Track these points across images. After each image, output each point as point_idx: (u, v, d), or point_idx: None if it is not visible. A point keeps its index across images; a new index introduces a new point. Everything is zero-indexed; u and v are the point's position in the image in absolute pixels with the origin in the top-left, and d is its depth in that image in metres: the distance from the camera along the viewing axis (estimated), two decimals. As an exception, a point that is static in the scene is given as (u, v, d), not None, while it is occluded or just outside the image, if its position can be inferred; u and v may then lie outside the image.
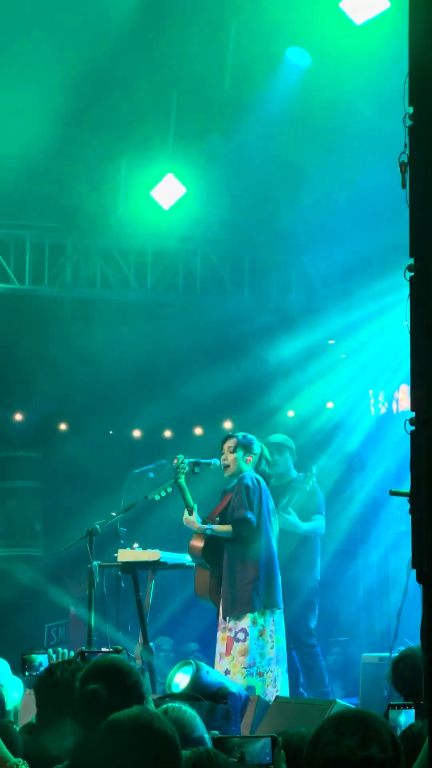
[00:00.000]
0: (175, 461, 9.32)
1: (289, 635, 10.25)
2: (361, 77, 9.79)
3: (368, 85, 9.76)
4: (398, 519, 11.65)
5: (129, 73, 10.72)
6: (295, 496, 10.35)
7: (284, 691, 8.81)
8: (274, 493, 10.42)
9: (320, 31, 9.83)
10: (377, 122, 9.25)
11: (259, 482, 9.16)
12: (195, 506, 9.24)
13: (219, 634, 9.03)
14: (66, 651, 5.97)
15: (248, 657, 8.79)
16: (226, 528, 9.09)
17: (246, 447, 9.32)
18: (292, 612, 10.22)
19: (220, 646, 8.96)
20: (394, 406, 13.76)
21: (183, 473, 9.25)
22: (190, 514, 9.20)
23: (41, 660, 6.01)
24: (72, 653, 5.85)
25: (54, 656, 5.92)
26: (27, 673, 6.03)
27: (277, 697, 8.28)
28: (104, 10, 9.86)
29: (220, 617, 9.07)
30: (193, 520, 9.17)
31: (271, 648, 8.88)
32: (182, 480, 9.24)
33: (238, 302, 13.52)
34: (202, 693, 7.34)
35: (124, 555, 9.38)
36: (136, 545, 10.15)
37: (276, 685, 8.77)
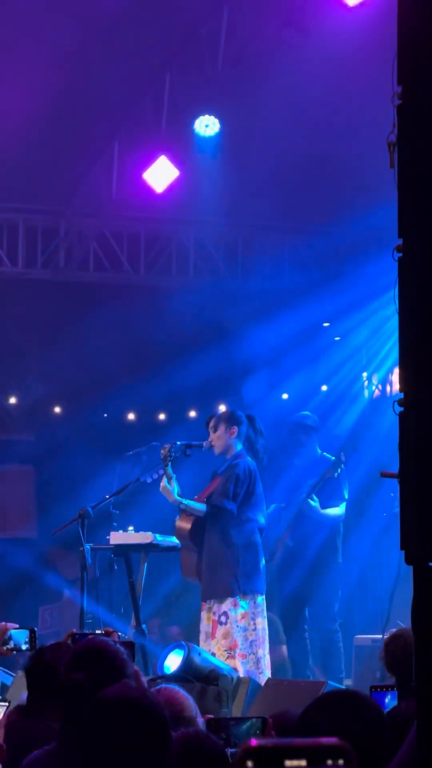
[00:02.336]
0: (164, 450, 9.18)
1: (311, 618, 10.24)
2: (354, 56, 9.75)
3: (362, 65, 9.71)
4: (391, 501, 11.64)
5: (122, 54, 10.67)
6: (319, 484, 10.25)
7: (267, 673, 8.81)
8: (298, 474, 10.38)
9: (314, 10, 9.79)
10: (371, 101, 9.21)
11: (251, 473, 9.06)
12: (174, 476, 9.12)
13: (203, 614, 9.04)
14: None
15: (230, 640, 8.80)
16: (199, 507, 9.00)
17: (227, 420, 9.19)
18: (315, 596, 10.22)
19: (206, 626, 8.97)
20: (388, 389, 13.76)
21: (170, 461, 9.15)
22: (169, 482, 9.06)
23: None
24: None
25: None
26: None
27: (269, 678, 8.29)
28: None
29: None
30: (169, 490, 9.04)
31: (253, 630, 8.88)
32: (169, 468, 9.15)
33: (232, 285, 13.50)
34: (193, 675, 7.36)
35: (117, 538, 9.35)
36: (131, 528, 10.14)
37: (260, 667, 8.79)
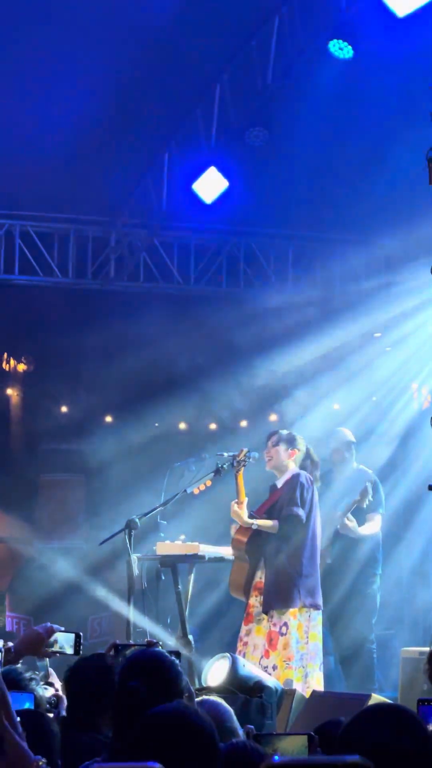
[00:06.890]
0: (241, 454, 9.33)
1: (349, 632, 10.25)
2: (403, 70, 9.73)
3: (410, 79, 9.69)
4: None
5: (172, 67, 10.73)
6: (353, 507, 10.25)
7: (318, 688, 8.81)
8: (338, 489, 10.44)
9: (363, 23, 9.77)
10: (420, 116, 9.19)
11: (312, 483, 9.23)
12: (246, 500, 9.25)
13: (254, 626, 9.05)
14: None
15: (288, 651, 8.84)
16: (272, 524, 9.11)
17: (288, 441, 9.38)
18: (353, 608, 10.21)
19: (257, 639, 8.98)
20: (438, 399, 13.69)
21: (244, 466, 9.29)
22: (239, 507, 9.21)
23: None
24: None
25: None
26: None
27: (313, 691, 8.28)
28: (148, 5, 9.88)
29: (255, 610, 9.09)
30: (240, 513, 9.18)
31: (305, 644, 8.92)
32: (241, 473, 9.29)
33: (282, 295, 13.51)
34: (238, 686, 7.35)
35: (163, 548, 9.38)
36: (182, 537, 10.15)
37: (307, 681, 8.80)
